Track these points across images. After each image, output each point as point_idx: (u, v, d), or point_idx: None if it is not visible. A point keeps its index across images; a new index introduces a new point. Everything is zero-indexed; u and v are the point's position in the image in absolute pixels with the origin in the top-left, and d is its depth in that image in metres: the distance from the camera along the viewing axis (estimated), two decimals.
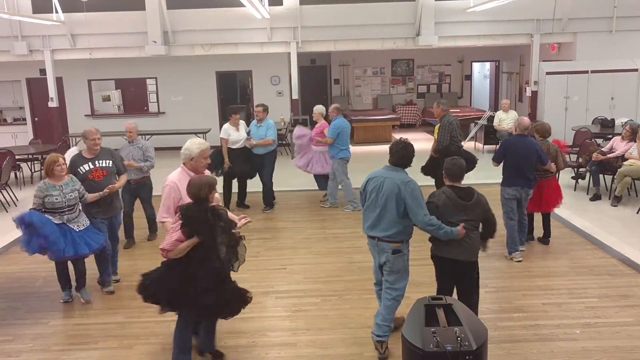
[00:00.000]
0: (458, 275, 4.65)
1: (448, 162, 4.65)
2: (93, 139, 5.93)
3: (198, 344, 4.69)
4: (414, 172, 5.55)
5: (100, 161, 6.00)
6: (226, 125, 8.84)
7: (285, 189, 10.27)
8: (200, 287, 4.07)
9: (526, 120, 6.69)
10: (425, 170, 8.30)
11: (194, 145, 4.57)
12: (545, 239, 7.21)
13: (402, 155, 4.53)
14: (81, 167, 5.90)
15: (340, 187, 9.18)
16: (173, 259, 4.09)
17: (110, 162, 6.08)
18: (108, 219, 6.07)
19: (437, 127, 8.28)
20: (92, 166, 5.93)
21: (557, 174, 7.36)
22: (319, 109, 9.35)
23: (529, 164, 6.41)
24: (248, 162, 8.91)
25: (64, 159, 5.60)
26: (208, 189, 4.14)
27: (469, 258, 4.57)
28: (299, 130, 9.71)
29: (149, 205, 7.65)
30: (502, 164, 6.68)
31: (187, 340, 4.41)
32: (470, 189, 4.61)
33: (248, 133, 8.96)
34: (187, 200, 4.22)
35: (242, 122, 8.99)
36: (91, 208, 5.84)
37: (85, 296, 5.84)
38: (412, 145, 4.65)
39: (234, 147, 8.77)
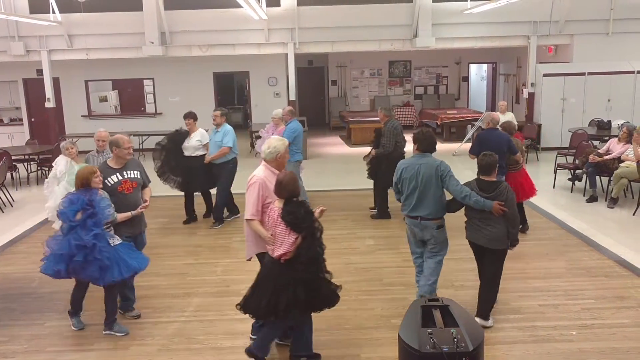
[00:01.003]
0: (481, 258, 5.15)
1: (480, 157, 5.07)
2: (128, 147, 5.30)
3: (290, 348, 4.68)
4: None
5: (129, 172, 5.35)
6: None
7: None
8: (311, 280, 4.26)
9: (496, 115, 7.67)
10: (369, 173, 8.77)
11: (278, 142, 4.63)
12: (523, 228, 7.61)
13: (430, 142, 5.18)
14: (109, 179, 5.20)
15: None
16: (282, 263, 4.18)
17: (138, 172, 5.45)
18: (133, 237, 5.42)
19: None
20: (120, 177, 5.26)
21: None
22: (278, 113, 9.12)
23: (501, 153, 6.87)
24: (204, 173, 8.38)
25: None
26: (298, 185, 4.26)
27: (488, 245, 4.94)
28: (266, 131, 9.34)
29: None
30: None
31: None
32: (497, 183, 4.99)
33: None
34: (274, 197, 4.30)
35: (201, 131, 8.50)
36: (119, 224, 5.20)
37: (122, 330, 5.18)
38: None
39: (186, 154, 8.36)
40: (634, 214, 8.34)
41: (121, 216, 5.11)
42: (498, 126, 7.43)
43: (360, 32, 14.03)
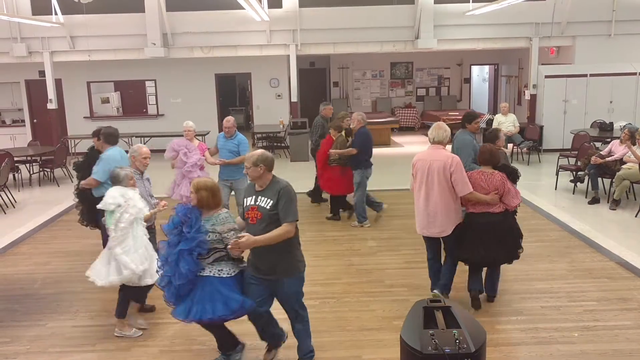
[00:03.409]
0: None
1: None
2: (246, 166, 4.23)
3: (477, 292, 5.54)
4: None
5: (263, 198, 4.15)
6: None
7: None
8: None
9: (364, 114, 8.44)
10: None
11: (446, 125, 5.40)
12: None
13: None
14: (245, 200, 4.29)
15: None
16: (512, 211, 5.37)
17: (271, 202, 4.08)
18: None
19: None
20: (252, 202, 4.19)
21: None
22: (192, 125, 7.67)
23: (370, 148, 8.18)
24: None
25: None
26: None
27: None
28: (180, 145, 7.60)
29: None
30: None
31: None
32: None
33: None
34: None
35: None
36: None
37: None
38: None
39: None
40: (636, 216, 8.32)
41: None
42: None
43: (362, 34, 14.04)
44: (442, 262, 5.67)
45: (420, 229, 5.46)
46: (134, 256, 4.80)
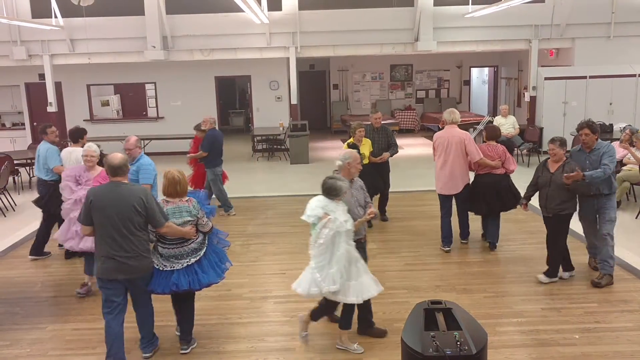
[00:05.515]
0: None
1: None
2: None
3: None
4: None
5: None
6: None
7: (284, 193, 10.26)
8: None
9: (214, 117, 9.42)
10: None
11: (458, 114, 7.10)
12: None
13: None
14: None
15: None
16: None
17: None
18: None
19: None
20: None
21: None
22: (96, 149, 6.09)
23: (222, 148, 8.91)
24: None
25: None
26: None
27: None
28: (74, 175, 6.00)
29: None
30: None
31: None
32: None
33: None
34: None
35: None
36: None
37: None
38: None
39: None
40: (636, 217, 8.32)
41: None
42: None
43: (361, 36, 14.06)
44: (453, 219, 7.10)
45: (440, 189, 7.05)
46: (327, 272, 4.41)
